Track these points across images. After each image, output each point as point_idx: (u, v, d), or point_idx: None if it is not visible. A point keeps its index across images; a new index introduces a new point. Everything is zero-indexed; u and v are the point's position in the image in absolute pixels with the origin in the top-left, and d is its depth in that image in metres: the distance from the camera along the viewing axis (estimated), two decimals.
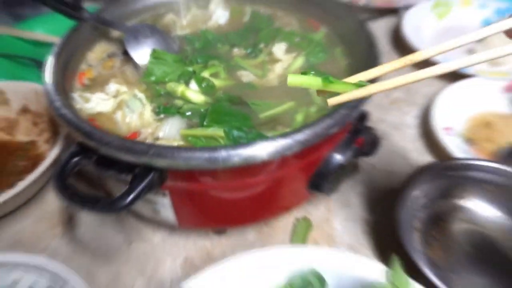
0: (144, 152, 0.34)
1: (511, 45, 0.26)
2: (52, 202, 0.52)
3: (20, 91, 0.57)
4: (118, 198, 0.34)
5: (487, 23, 0.73)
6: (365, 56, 0.45)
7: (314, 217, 0.48)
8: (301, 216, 0.49)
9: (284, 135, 0.34)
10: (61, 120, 0.38)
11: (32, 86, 0.57)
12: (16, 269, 0.39)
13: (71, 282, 0.36)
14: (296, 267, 0.39)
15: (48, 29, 0.77)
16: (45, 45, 0.72)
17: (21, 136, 0.58)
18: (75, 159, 0.37)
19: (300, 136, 0.35)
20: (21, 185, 0.46)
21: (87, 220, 0.49)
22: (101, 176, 0.40)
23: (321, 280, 0.39)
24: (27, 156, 0.55)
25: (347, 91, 0.30)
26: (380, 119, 0.61)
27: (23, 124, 0.58)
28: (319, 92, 0.30)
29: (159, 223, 0.48)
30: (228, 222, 0.45)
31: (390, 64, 0.29)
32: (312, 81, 0.28)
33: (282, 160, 0.37)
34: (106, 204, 0.34)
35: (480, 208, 0.46)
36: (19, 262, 0.38)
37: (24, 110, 0.58)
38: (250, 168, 0.36)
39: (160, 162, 0.34)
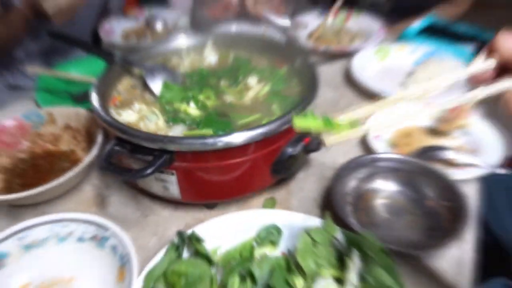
0: (160, 140, 0.54)
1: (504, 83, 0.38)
2: (88, 191, 0.71)
3: (64, 113, 0.78)
4: (143, 169, 0.53)
5: (417, 63, 0.96)
6: (310, 85, 0.66)
7: (278, 197, 0.67)
8: (268, 196, 0.68)
9: (250, 129, 0.55)
10: (107, 124, 0.58)
11: (73, 109, 0.78)
12: (70, 223, 0.57)
13: (111, 229, 0.55)
14: (262, 223, 0.58)
15: (77, 71, 0.99)
16: (75, 83, 0.93)
17: (64, 146, 0.78)
18: (116, 148, 0.56)
19: (261, 130, 0.55)
20: (64, 177, 0.64)
21: (114, 201, 0.68)
22: (131, 158, 0.59)
23: (279, 231, 0.58)
24: (69, 160, 0.75)
25: (342, 131, 0.34)
26: None
27: (65, 137, 0.78)
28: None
29: (167, 200, 0.66)
30: (217, 196, 0.64)
31: (369, 106, 0.36)
32: (315, 124, 0.33)
33: (251, 147, 0.57)
34: (136, 173, 0.54)
35: (392, 187, 0.66)
36: (72, 218, 0.57)
37: (67, 127, 0.78)
38: (230, 151, 0.56)
39: (171, 146, 0.54)
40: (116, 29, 1.17)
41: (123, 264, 0.53)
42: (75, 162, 0.74)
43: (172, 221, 0.64)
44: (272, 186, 0.68)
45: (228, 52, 0.82)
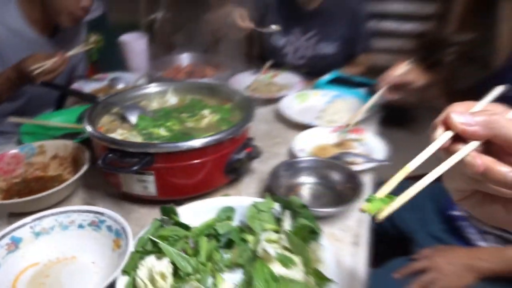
0: (143, 146, 0.76)
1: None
2: (76, 202, 0.87)
3: (54, 145, 0.96)
4: (131, 166, 0.74)
5: (328, 103, 1.27)
6: (249, 115, 0.92)
7: (232, 193, 0.89)
8: (224, 194, 0.89)
9: (205, 137, 0.78)
10: (102, 140, 0.78)
11: (62, 141, 0.96)
12: (72, 214, 0.74)
13: (106, 213, 0.73)
14: (220, 206, 0.79)
15: (56, 120, 1.17)
16: (54, 128, 1.12)
17: (52, 172, 0.95)
18: (109, 155, 0.77)
19: (213, 137, 0.79)
20: (58, 187, 0.81)
21: (103, 207, 0.85)
22: (121, 162, 0.79)
23: (232, 210, 0.79)
24: (58, 181, 0.91)
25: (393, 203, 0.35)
26: (268, 145, 1.06)
27: (53, 165, 0.95)
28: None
29: (145, 201, 0.85)
30: (186, 192, 0.84)
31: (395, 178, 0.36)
32: (380, 205, 0.35)
33: (208, 150, 0.80)
34: (127, 169, 0.74)
35: (312, 180, 0.91)
36: (74, 209, 0.74)
37: (55, 157, 0.96)
38: (193, 153, 0.78)
39: (151, 149, 0.75)
40: (84, 89, 1.39)
41: (119, 236, 0.70)
42: (62, 182, 0.91)
43: (150, 216, 0.83)
44: (226, 186, 0.90)
45: (185, 95, 1.07)
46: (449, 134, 0.36)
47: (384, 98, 1.12)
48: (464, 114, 0.36)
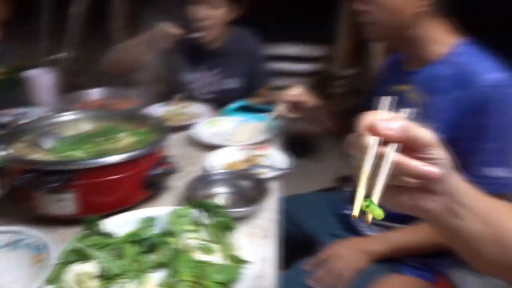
0: (62, 164, 0.79)
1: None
2: None
3: None
4: (51, 184, 0.77)
5: (236, 127, 1.41)
6: (164, 134, 1.00)
7: (159, 203, 0.95)
8: (144, 208, 0.94)
9: (123, 153, 0.85)
10: (19, 162, 0.80)
11: None
12: None
13: (25, 231, 0.74)
14: (141, 217, 0.84)
15: None
16: None
17: None
18: (27, 175, 0.78)
19: (131, 154, 0.86)
20: None
21: None
22: (40, 182, 0.80)
23: (153, 219, 0.85)
24: None
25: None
26: (183, 165, 1.14)
27: None
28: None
29: (67, 220, 0.86)
30: (106, 208, 0.87)
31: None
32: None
33: (126, 166, 0.86)
34: (46, 188, 0.76)
35: (225, 189, 1.02)
36: None
37: None
38: (111, 168, 0.84)
39: (70, 167, 0.79)
40: None
41: (39, 252, 0.71)
42: None
43: (71, 235, 0.84)
44: (145, 201, 0.95)
45: (100, 123, 1.12)
46: (376, 139, 0.41)
47: (284, 118, 1.30)
48: (386, 121, 0.41)
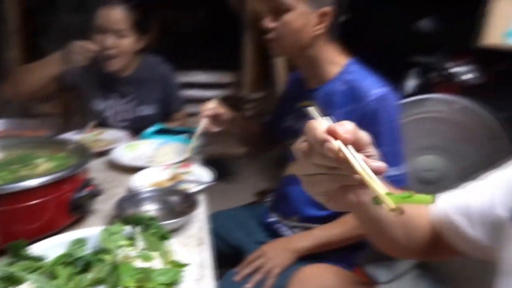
0: None
1: None
2: None
3: None
4: None
5: (156, 148, 1.43)
6: (86, 157, 0.99)
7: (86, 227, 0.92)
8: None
9: (43, 176, 0.83)
10: None
11: None
12: None
13: None
14: (71, 239, 0.82)
15: None
16: None
17: None
18: None
19: (51, 176, 0.84)
20: None
21: None
22: None
23: (84, 240, 0.83)
24: None
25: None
26: (107, 188, 1.13)
27: None
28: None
29: None
30: (29, 236, 0.83)
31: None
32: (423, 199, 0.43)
33: (48, 190, 0.84)
34: None
35: (154, 206, 1.04)
36: None
37: None
38: (32, 192, 0.81)
39: None
40: None
41: None
42: None
43: None
44: (72, 225, 0.93)
45: (12, 151, 1.06)
46: (339, 143, 0.43)
47: (207, 133, 1.36)
48: (343, 126, 0.44)
